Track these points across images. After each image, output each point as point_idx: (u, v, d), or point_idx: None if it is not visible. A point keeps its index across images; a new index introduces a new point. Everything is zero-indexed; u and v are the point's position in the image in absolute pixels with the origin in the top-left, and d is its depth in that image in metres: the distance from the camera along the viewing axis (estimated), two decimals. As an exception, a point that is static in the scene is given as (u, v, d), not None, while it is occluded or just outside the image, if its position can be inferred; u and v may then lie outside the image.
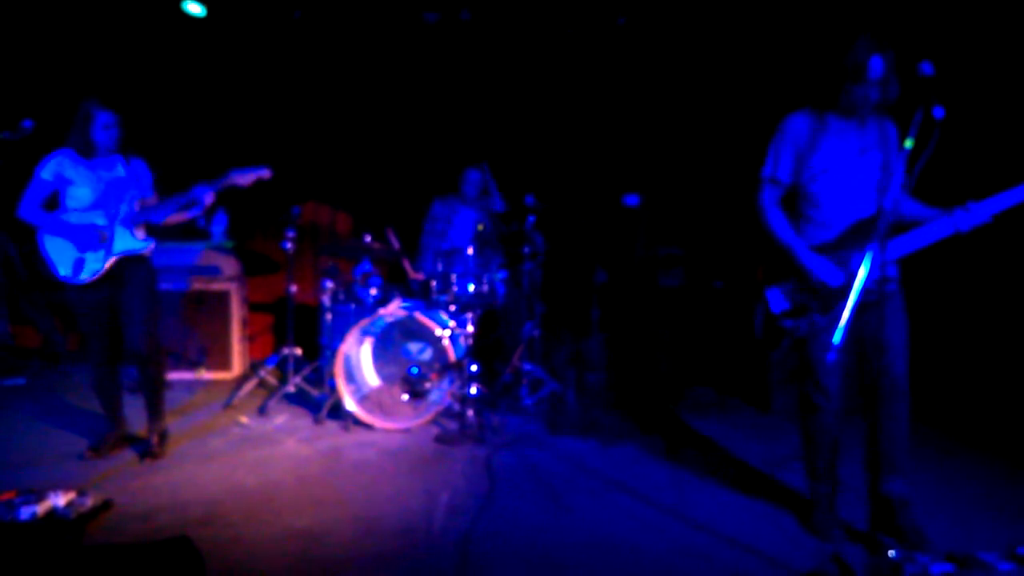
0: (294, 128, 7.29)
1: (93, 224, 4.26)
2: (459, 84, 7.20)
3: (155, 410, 4.55)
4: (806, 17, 6.08)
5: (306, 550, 3.31)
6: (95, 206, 4.27)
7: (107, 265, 4.25)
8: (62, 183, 4.27)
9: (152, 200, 4.44)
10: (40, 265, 4.28)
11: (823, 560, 3.23)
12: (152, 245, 4.42)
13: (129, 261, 4.33)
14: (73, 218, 4.26)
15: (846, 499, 3.69)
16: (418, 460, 4.54)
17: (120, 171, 4.35)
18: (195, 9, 6.54)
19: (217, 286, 6.50)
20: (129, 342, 4.32)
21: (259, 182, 4.28)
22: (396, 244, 6.06)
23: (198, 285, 6.46)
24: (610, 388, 6.07)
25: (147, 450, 4.46)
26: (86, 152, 4.27)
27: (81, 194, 4.26)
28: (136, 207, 4.33)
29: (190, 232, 6.69)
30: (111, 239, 4.26)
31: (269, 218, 5.95)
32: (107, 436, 4.55)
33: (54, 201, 4.33)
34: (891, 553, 3.04)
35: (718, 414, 5.56)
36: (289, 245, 5.72)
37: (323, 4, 6.77)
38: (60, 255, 4.25)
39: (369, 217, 7.29)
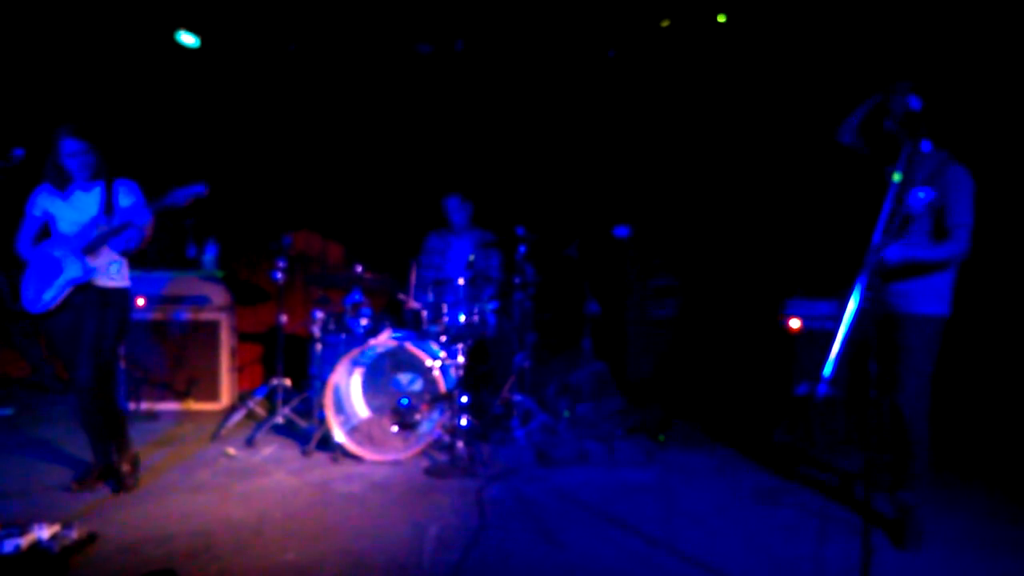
0: (286, 157, 7.31)
1: (52, 256, 4.26)
2: (452, 115, 7.24)
3: (117, 441, 4.44)
4: (791, 50, 6.16)
5: (294, 584, 3.28)
6: (71, 237, 4.27)
7: (63, 295, 4.23)
8: (48, 217, 4.33)
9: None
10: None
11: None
12: (115, 272, 4.34)
13: (83, 290, 4.26)
14: (47, 250, 4.29)
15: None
16: (407, 492, 4.50)
17: (91, 199, 4.32)
18: (189, 40, 6.58)
19: (206, 315, 6.46)
20: (72, 370, 4.27)
21: (200, 202, 4.24)
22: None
23: (187, 314, 6.42)
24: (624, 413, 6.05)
25: (119, 483, 4.37)
26: (60, 183, 4.30)
27: (61, 225, 4.29)
28: (95, 232, 4.24)
29: (180, 261, 6.67)
30: (61, 269, 4.24)
31: (260, 247, 5.94)
32: (92, 468, 4.46)
33: (47, 232, 4.37)
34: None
35: (709, 446, 5.54)
36: (279, 275, 5.71)
37: (318, 36, 6.82)
38: (29, 286, 4.30)
39: (360, 247, 7.29)
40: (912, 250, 3.69)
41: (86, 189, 4.33)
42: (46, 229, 4.37)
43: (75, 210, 4.30)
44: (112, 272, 4.33)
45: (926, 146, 3.44)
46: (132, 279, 6.26)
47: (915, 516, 3.76)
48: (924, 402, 3.78)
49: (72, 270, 4.22)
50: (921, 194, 3.67)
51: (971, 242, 3.65)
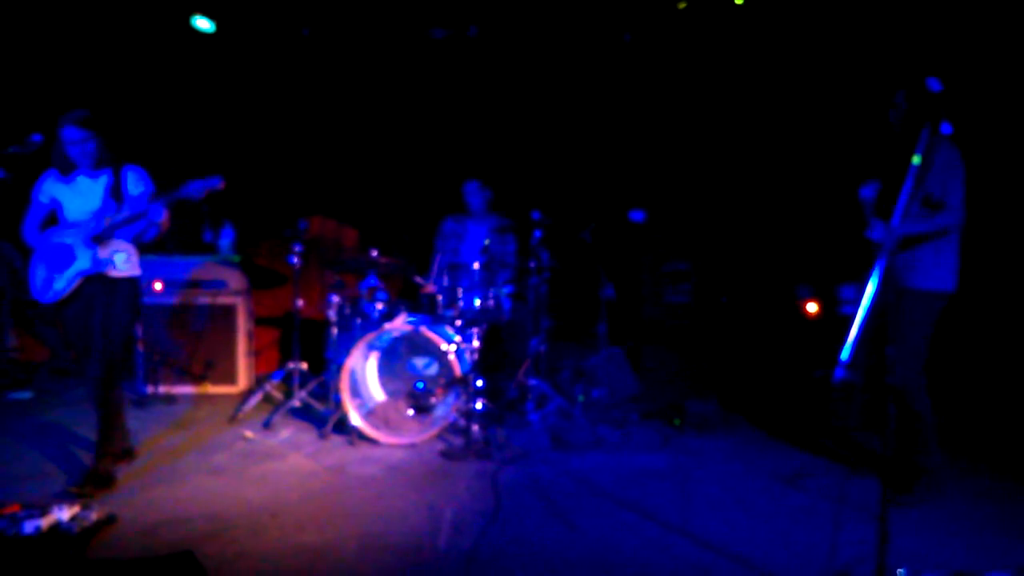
0: (301, 142, 7.31)
1: (63, 243, 4.22)
2: (466, 99, 7.22)
3: (105, 437, 4.32)
4: (809, 31, 6.09)
5: (310, 566, 3.30)
6: (75, 224, 4.24)
7: (72, 286, 4.19)
8: (55, 203, 4.30)
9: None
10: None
11: (832, 578, 3.21)
12: (122, 263, 4.28)
13: (92, 281, 4.21)
14: (55, 237, 4.25)
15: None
16: (423, 476, 4.52)
17: (97, 187, 4.26)
18: (204, 25, 6.58)
19: (223, 300, 6.50)
20: (83, 360, 4.27)
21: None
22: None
23: (204, 299, 6.46)
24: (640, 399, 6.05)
25: (85, 478, 4.17)
26: (65, 170, 4.25)
27: (68, 213, 4.27)
28: (104, 223, 4.19)
29: (196, 245, 6.69)
30: (73, 259, 4.20)
31: (276, 232, 5.96)
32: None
33: (54, 219, 4.35)
34: (900, 572, 3.02)
35: (725, 431, 5.53)
36: (295, 259, 5.73)
37: (331, 21, 6.81)
38: (36, 274, 4.27)
39: (376, 231, 7.30)
40: (905, 225, 3.74)
41: (92, 176, 4.28)
42: (54, 216, 4.35)
43: (81, 197, 4.25)
44: (120, 262, 4.27)
45: (946, 128, 3.40)
46: (149, 264, 6.35)
47: (928, 476, 4.02)
48: (918, 376, 3.99)
49: (82, 261, 4.18)
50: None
51: (964, 212, 3.88)
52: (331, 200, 7.44)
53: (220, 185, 4.13)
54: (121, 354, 4.29)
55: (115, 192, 4.23)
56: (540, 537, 3.64)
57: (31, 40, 6.37)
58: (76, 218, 4.24)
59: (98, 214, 4.21)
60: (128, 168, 4.32)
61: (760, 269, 6.57)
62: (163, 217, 4.15)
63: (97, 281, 4.22)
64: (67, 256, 4.21)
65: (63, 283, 4.19)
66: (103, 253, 4.20)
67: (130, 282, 4.34)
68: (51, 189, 4.29)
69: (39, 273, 4.26)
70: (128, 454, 4.53)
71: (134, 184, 4.30)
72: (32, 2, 6.22)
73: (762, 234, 6.55)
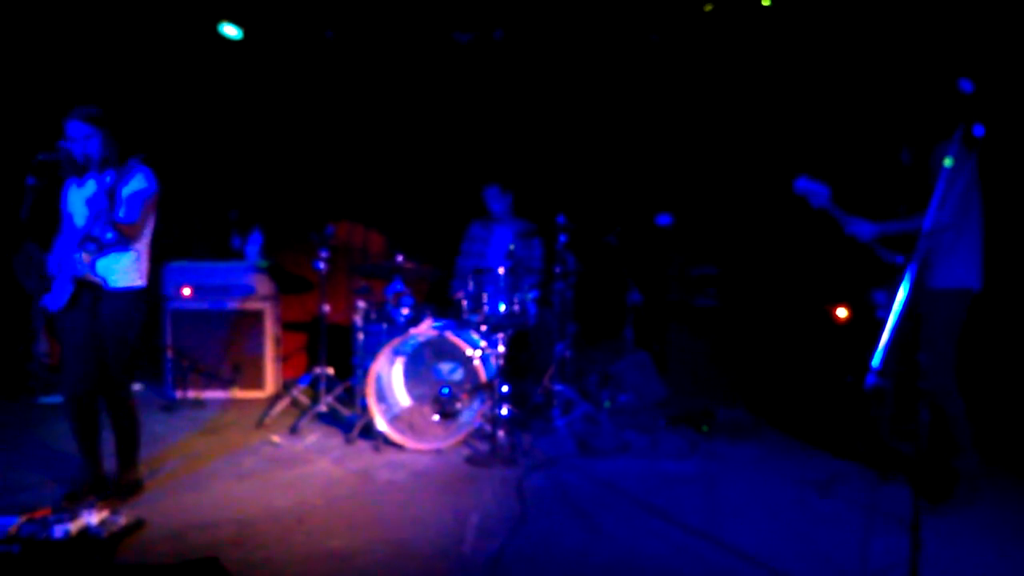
0: (328, 147, 7.34)
1: (64, 251, 4.03)
2: (492, 103, 7.21)
3: (122, 452, 4.21)
4: (836, 33, 6.02)
5: (336, 572, 3.30)
6: (78, 231, 4.01)
7: (69, 294, 3.98)
8: (66, 211, 4.12)
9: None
10: None
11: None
12: (113, 274, 4.03)
13: (85, 290, 4.01)
14: (61, 244, 4.07)
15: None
16: (449, 481, 4.51)
17: (99, 190, 3.95)
18: (231, 31, 6.63)
19: (251, 305, 6.54)
20: (63, 373, 4.11)
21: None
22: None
23: (232, 305, 6.50)
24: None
25: (108, 494, 4.08)
26: (76, 171, 4.04)
27: (75, 218, 4.06)
28: (93, 224, 3.97)
29: (225, 251, 6.76)
30: (68, 265, 3.99)
31: (303, 237, 6.00)
32: (83, 482, 4.16)
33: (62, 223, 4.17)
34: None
35: (754, 437, 5.47)
36: (322, 265, 5.75)
37: (356, 25, 6.83)
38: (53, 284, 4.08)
39: (402, 237, 7.31)
40: (886, 224, 4.08)
41: (98, 178, 3.99)
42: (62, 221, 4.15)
43: (83, 200, 4.03)
44: (112, 272, 4.03)
45: (979, 130, 3.34)
46: (178, 270, 6.43)
47: (965, 481, 3.96)
48: (949, 378, 3.96)
49: (72, 266, 3.98)
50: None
51: (956, 212, 3.87)
52: (357, 205, 7.47)
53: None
54: (124, 371, 4.10)
55: (111, 193, 3.93)
56: (566, 543, 3.62)
57: (62, 49, 6.45)
58: (79, 223, 4.04)
59: (92, 218, 3.98)
60: (136, 169, 4.05)
61: (789, 273, 6.50)
62: (135, 220, 3.97)
63: (87, 291, 4.01)
64: (68, 262, 4.00)
65: (63, 289, 4.01)
66: (86, 258, 3.97)
67: (124, 295, 4.07)
68: (67, 193, 4.12)
69: (54, 284, 4.08)
70: (103, 484, 4.22)
71: (136, 184, 4.04)
72: (64, 13, 6.29)
73: (791, 237, 6.47)
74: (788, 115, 6.51)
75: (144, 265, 4.19)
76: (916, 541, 2.77)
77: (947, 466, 4.03)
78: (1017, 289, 5.23)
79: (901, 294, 2.89)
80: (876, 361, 2.82)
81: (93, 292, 4.01)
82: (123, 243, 4.04)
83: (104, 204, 3.92)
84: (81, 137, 3.95)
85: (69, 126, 3.96)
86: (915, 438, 3.01)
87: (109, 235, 3.98)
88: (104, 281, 4.01)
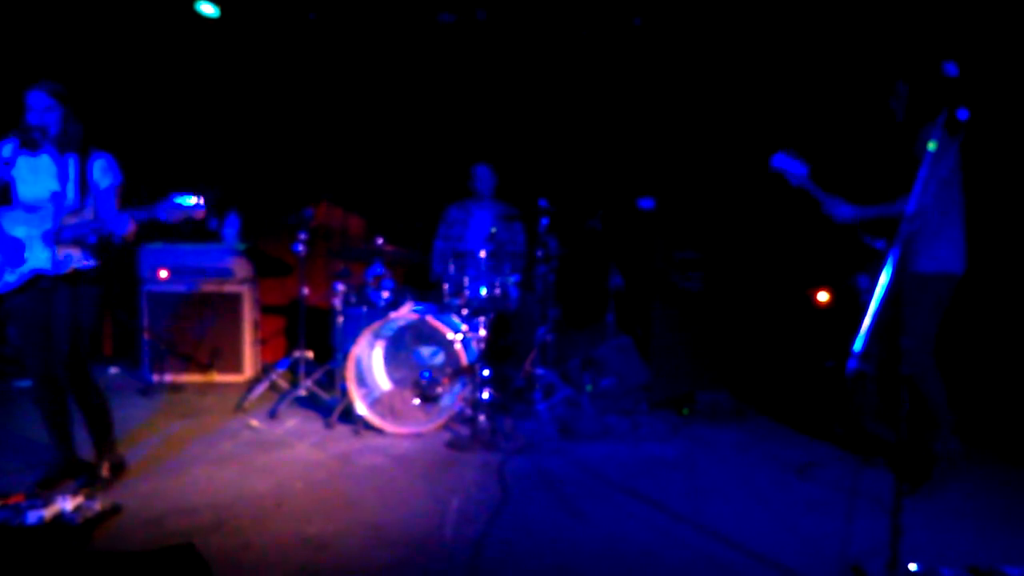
0: (307, 129, 7.26)
1: (14, 236, 3.84)
2: (473, 85, 7.15)
3: (97, 437, 4.10)
4: (820, 17, 6.01)
5: (315, 558, 3.26)
6: (28, 207, 3.84)
7: (25, 280, 3.83)
8: (9, 176, 3.86)
9: (83, 213, 3.90)
10: None
11: (843, 570, 3.17)
12: (77, 264, 3.88)
13: (45, 278, 3.85)
14: (6, 225, 3.86)
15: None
16: (429, 466, 4.48)
17: (58, 170, 3.84)
18: (208, 10, 6.52)
19: (229, 288, 6.47)
20: (29, 357, 3.98)
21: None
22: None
23: (209, 287, 6.42)
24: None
25: (91, 479, 4.00)
26: (29, 144, 3.83)
27: (21, 191, 3.85)
28: (64, 221, 3.82)
29: (201, 234, 6.66)
30: (26, 254, 3.83)
31: (281, 220, 5.93)
32: (55, 466, 4.08)
33: (6, 195, 3.92)
34: (912, 566, 2.97)
35: (735, 421, 5.48)
36: (301, 247, 5.69)
37: (338, 6, 6.74)
38: None
39: (382, 219, 7.25)
40: (866, 209, 4.10)
41: (56, 158, 3.85)
42: (5, 193, 3.90)
43: (39, 176, 3.85)
44: (77, 259, 3.89)
45: (963, 114, 3.33)
46: (154, 252, 6.35)
47: (945, 463, 3.99)
48: (929, 362, 3.97)
49: (38, 259, 3.81)
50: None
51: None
52: (337, 187, 7.39)
53: (200, 214, 3.74)
54: (87, 350, 3.95)
55: (83, 182, 3.85)
56: (547, 527, 3.60)
57: (32, 28, 6.32)
58: (29, 199, 3.84)
59: (55, 203, 3.82)
60: (97, 155, 3.95)
61: (772, 257, 6.50)
62: (128, 230, 3.79)
63: (51, 279, 3.86)
64: (18, 249, 3.83)
65: (15, 277, 3.83)
66: (61, 254, 3.83)
67: (95, 270, 3.95)
68: (11, 157, 3.82)
69: None
70: (77, 467, 4.16)
71: (101, 174, 3.94)
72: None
73: (775, 221, 6.47)
74: (770, 98, 6.50)
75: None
76: (897, 524, 2.78)
77: (928, 450, 4.04)
78: (1001, 272, 5.25)
79: (884, 278, 2.88)
80: (858, 345, 2.81)
81: (62, 280, 3.87)
82: (108, 248, 3.96)
83: (77, 193, 3.84)
84: (41, 108, 3.79)
85: (30, 95, 3.79)
86: (896, 422, 3.01)
87: (92, 239, 3.88)
88: (83, 264, 3.89)
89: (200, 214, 3.72)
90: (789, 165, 4.23)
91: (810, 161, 4.38)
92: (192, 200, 3.69)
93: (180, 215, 3.70)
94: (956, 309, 4.04)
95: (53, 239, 3.81)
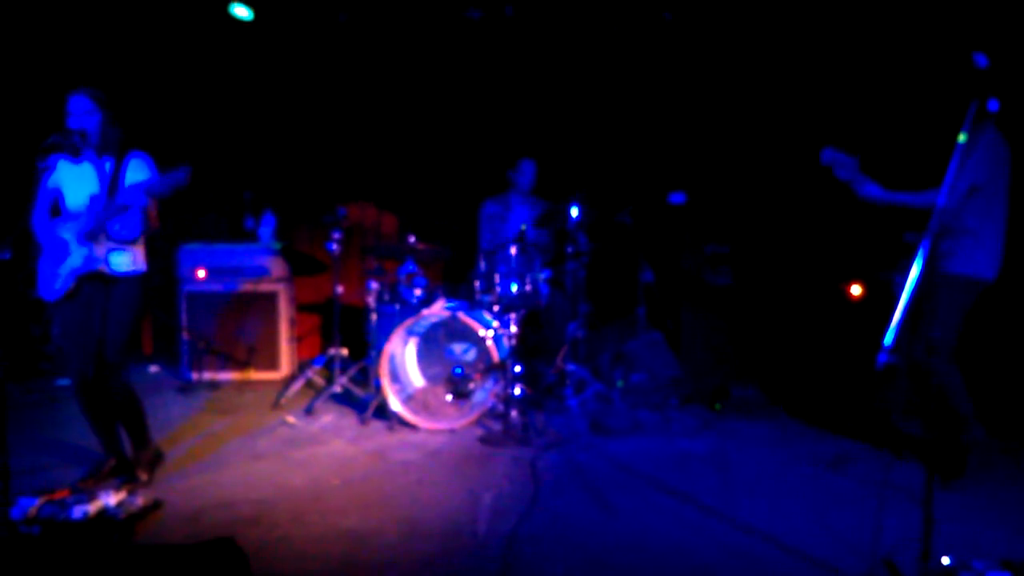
0: (340, 129, 7.33)
1: (61, 238, 3.92)
2: (503, 82, 7.18)
3: (132, 429, 4.16)
4: (853, 14, 5.95)
5: (351, 551, 3.33)
6: (73, 215, 3.93)
7: (69, 285, 3.90)
8: (57, 191, 3.99)
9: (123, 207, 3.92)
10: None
11: (874, 564, 3.16)
12: (123, 264, 3.97)
13: (89, 279, 3.92)
14: (56, 230, 3.94)
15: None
16: (462, 461, 4.53)
17: (97, 174, 3.92)
18: (242, 12, 6.61)
19: (265, 287, 6.57)
20: (71, 363, 4.03)
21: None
22: None
23: (247, 286, 6.53)
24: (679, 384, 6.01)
25: (132, 476, 4.08)
26: (72, 150, 3.87)
27: (67, 200, 3.95)
28: (95, 219, 3.86)
29: (238, 234, 6.78)
30: (68, 255, 3.90)
31: (316, 219, 6.00)
32: (104, 463, 4.16)
33: (58, 209, 4.04)
34: (945, 560, 2.96)
35: (766, 415, 5.47)
36: (335, 246, 5.77)
37: (367, 6, 6.80)
38: (43, 270, 3.98)
39: (414, 217, 7.31)
40: (893, 194, 4.03)
41: (96, 162, 3.94)
42: (57, 205, 4.03)
43: (80, 183, 3.93)
44: (118, 263, 3.95)
45: (993, 105, 3.31)
46: (193, 252, 6.47)
47: (975, 453, 3.98)
48: (948, 355, 3.96)
49: (75, 258, 3.89)
50: None
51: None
52: (370, 186, 7.46)
53: (184, 179, 3.70)
54: (121, 355, 3.99)
55: (113, 180, 3.90)
56: (579, 522, 3.64)
57: (70, 29, 6.45)
58: (73, 206, 3.94)
59: (93, 203, 3.89)
60: (133, 155, 4.00)
61: (803, 251, 6.46)
62: (145, 203, 3.87)
63: (95, 279, 3.94)
64: (63, 252, 3.91)
65: (61, 281, 3.91)
66: (98, 251, 3.90)
67: (131, 280, 4.01)
68: (59, 172, 3.96)
69: (44, 269, 3.97)
70: (125, 466, 4.20)
71: (135, 172, 3.97)
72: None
73: (806, 215, 6.43)
74: (803, 93, 6.45)
75: (145, 249, 4.13)
76: (929, 517, 2.77)
77: (957, 443, 4.03)
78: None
79: (914, 272, 2.87)
80: (888, 339, 2.81)
81: (101, 282, 3.94)
82: (138, 237, 4.02)
83: (107, 194, 3.87)
84: (82, 112, 3.86)
85: (72, 100, 3.87)
86: (926, 415, 3.00)
87: (117, 227, 3.91)
88: (114, 270, 3.95)
89: (185, 180, 3.70)
90: (839, 158, 4.15)
91: (855, 153, 4.34)
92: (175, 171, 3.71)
93: (171, 187, 3.72)
94: (990, 301, 4.02)
95: (88, 237, 3.88)
